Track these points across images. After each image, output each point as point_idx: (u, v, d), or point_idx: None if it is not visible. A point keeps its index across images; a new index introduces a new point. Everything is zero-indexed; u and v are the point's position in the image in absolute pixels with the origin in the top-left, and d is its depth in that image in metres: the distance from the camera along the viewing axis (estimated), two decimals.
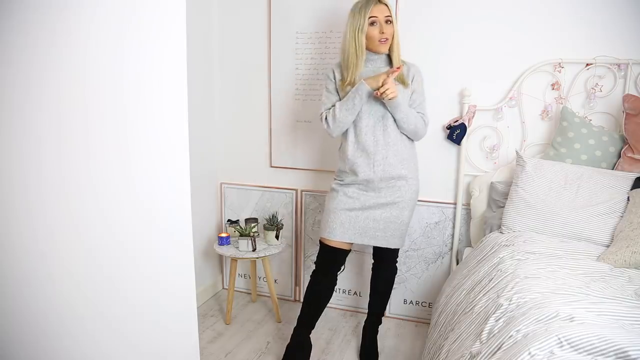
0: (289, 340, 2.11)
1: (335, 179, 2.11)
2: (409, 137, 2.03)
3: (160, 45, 0.91)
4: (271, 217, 2.65)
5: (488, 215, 2.25)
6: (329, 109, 2.01)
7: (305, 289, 2.11)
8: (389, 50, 1.95)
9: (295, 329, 2.10)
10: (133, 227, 0.93)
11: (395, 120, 1.95)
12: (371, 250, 2.21)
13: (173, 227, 1.01)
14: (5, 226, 0.82)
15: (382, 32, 1.88)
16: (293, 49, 2.56)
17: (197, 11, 2.56)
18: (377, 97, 1.88)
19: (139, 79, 0.89)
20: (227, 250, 2.52)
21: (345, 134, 2.02)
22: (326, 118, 1.99)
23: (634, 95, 2.01)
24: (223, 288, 2.99)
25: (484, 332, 1.27)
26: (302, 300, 2.13)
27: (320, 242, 2.07)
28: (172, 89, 0.95)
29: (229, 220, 2.73)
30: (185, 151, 0.99)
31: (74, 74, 0.81)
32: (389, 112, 1.94)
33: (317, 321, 2.11)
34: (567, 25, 2.14)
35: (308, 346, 2.12)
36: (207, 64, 2.69)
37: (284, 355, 2.09)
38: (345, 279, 2.67)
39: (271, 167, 2.76)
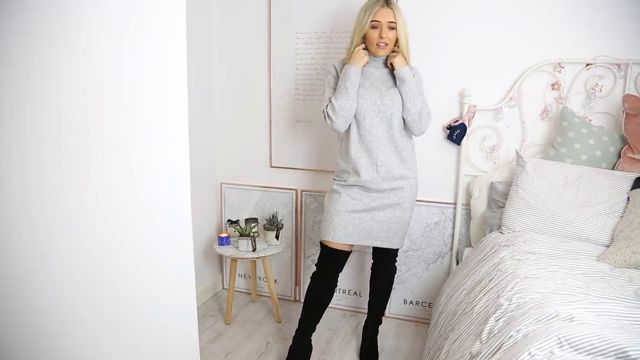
0: (289, 341, 2.11)
1: (335, 180, 2.06)
2: (410, 137, 2.03)
3: (160, 45, 0.91)
4: (271, 217, 2.65)
5: (488, 215, 2.25)
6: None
7: (305, 290, 2.10)
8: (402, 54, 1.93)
9: (297, 331, 2.10)
10: (133, 227, 0.93)
11: (401, 96, 1.93)
12: (371, 250, 2.21)
13: (173, 227, 1.01)
14: (5, 226, 0.82)
15: (381, 37, 1.87)
16: (293, 49, 2.56)
17: (197, 11, 2.56)
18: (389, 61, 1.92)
19: (139, 79, 0.88)
20: (227, 250, 2.52)
21: (348, 132, 1.99)
22: (327, 113, 1.95)
23: (634, 95, 2.01)
24: (223, 288, 2.99)
25: (484, 332, 1.27)
26: (302, 300, 2.13)
27: (322, 244, 2.05)
28: (172, 89, 0.95)
29: (229, 220, 2.73)
30: (185, 151, 0.99)
31: (74, 74, 0.81)
32: (398, 88, 1.93)
33: (318, 324, 2.10)
34: (567, 25, 2.14)
35: (309, 349, 2.12)
36: (207, 64, 2.69)
37: (287, 357, 2.09)
38: (345, 279, 2.67)
39: (271, 167, 2.76)
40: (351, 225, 1.98)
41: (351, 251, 2.08)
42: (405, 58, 1.94)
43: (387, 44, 1.89)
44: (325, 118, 1.97)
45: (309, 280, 2.10)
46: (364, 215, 1.99)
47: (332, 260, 2.03)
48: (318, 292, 2.05)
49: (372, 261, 2.24)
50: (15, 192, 0.82)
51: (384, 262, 2.18)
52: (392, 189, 1.98)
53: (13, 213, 0.82)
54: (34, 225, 0.83)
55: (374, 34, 1.88)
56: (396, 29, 1.88)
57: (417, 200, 2.40)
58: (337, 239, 1.98)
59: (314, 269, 2.09)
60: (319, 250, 2.07)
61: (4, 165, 0.80)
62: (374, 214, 1.99)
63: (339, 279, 2.11)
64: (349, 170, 2.00)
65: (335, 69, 2.00)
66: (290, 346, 2.10)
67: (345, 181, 2.01)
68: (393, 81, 1.96)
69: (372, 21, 1.87)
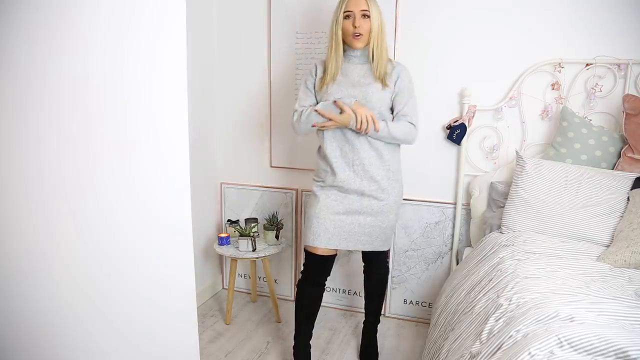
0: (289, 341, 2.11)
1: (315, 180, 2.01)
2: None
3: (160, 45, 0.91)
4: (271, 217, 2.65)
5: (488, 215, 2.25)
6: (304, 107, 1.92)
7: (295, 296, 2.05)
8: (370, 46, 1.86)
9: (296, 337, 2.07)
10: (133, 227, 0.93)
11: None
12: None
13: (173, 227, 1.01)
14: (5, 226, 0.82)
15: (355, 26, 1.80)
16: (293, 49, 2.56)
17: (197, 11, 2.56)
18: (358, 130, 1.81)
19: (139, 79, 0.89)
20: (227, 250, 2.52)
21: (322, 132, 1.94)
22: (294, 120, 1.92)
23: (634, 95, 2.01)
24: (223, 288, 2.99)
25: (484, 332, 1.27)
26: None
27: (306, 251, 1.99)
28: (172, 89, 0.95)
29: (229, 220, 2.73)
30: (185, 151, 0.99)
31: (74, 74, 0.81)
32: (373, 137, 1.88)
33: (313, 328, 2.09)
34: (567, 25, 2.14)
35: (309, 353, 2.12)
36: (207, 64, 2.69)
37: None
38: (345, 278, 2.67)
39: (271, 167, 2.76)
40: (332, 229, 1.91)
41: (336, 254, 2.02)
42: (383, 57, 1.87)
43: (361, 34, 1.82)
44: (293, 116, 1.94)
45: (297, 289, 2.06)
46: (344, 217, 1.92)
47: (317, 267, 1.98)
48: (308, 300, 2.02)
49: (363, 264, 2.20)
50: (16, 192, 0.82)
51: (374, 265, 2.13)
52: (372, 190, 1.91)
53: (13, 213, 0.82)
54: (34, 225, 0.83)
55: (348, 25, 1.82)
56: (370, 17, 1.81)
57: (417, 200, 2.40)
58: (318, 243, 1.92)
59: (302, 275, 2.04)
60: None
61: (4, 165, 0.80)
62: (356, 217, 1.92)
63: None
64: (327, 170, 1.95)
65: (317, 69, 1.95)
66: (294, 352, 2.09)
67: (323, 182, 1.96)
68: (371, 77, 1.89)
69: (345, 11, 1.81)
